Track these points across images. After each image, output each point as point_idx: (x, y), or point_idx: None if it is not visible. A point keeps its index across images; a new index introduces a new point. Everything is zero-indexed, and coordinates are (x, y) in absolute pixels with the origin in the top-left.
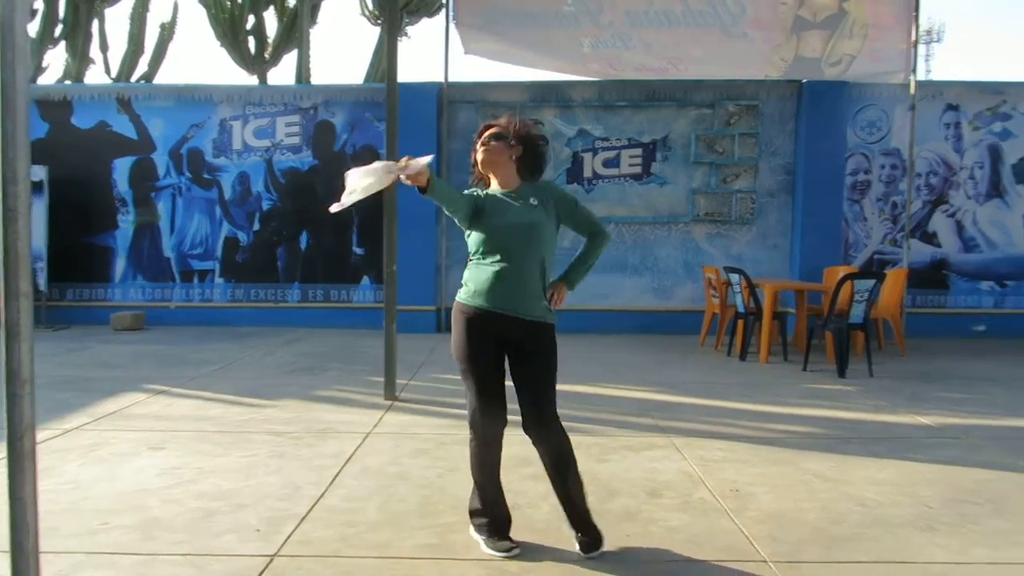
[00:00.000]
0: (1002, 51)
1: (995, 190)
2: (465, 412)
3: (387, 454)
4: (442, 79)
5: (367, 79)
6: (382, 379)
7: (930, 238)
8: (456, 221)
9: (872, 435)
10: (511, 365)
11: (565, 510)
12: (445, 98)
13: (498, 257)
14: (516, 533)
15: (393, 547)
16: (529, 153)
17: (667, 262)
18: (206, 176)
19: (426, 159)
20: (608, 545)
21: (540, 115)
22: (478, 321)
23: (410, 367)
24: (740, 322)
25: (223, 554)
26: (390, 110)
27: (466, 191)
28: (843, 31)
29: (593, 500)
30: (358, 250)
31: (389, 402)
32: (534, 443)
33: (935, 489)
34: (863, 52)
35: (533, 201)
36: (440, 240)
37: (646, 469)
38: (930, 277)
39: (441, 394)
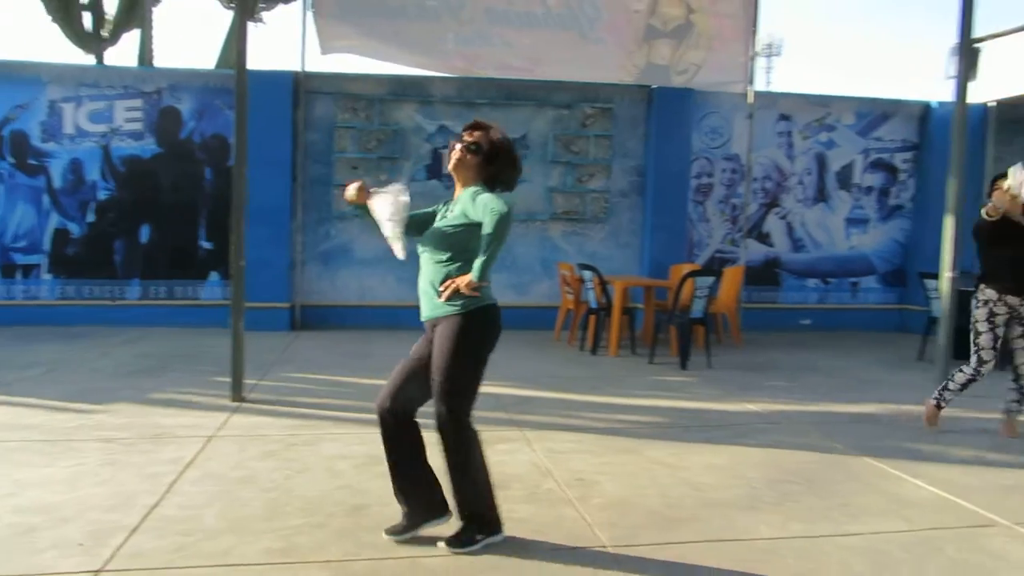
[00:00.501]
0: (836, 65)
1: (821, 195)
2: (316, 412)
3: (231, 458)
4: (298, 68)
5: (219, 65)
6: (229, 379)
7: (764, 238)
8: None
9: (709, 423)
10: None
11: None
12: (301, 88)
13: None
14: (365, 534)
15: (234, 554)
16: (503, 170)
17: (525, 259)
18: (32, 162)
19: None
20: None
21: (400, 109)
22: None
23: (261, 367)
24: (592, 317)
25: (42, 572)
26: (239, 98)
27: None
28: (690, 41)
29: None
30: (205, 244)
31: (236, 404)
32: None
33: (761, 471)
34: (707, 62)
35: (451, 209)
36: (295, 235)
37: (496, 462)
38: (764, 275)
39: (293, 393)
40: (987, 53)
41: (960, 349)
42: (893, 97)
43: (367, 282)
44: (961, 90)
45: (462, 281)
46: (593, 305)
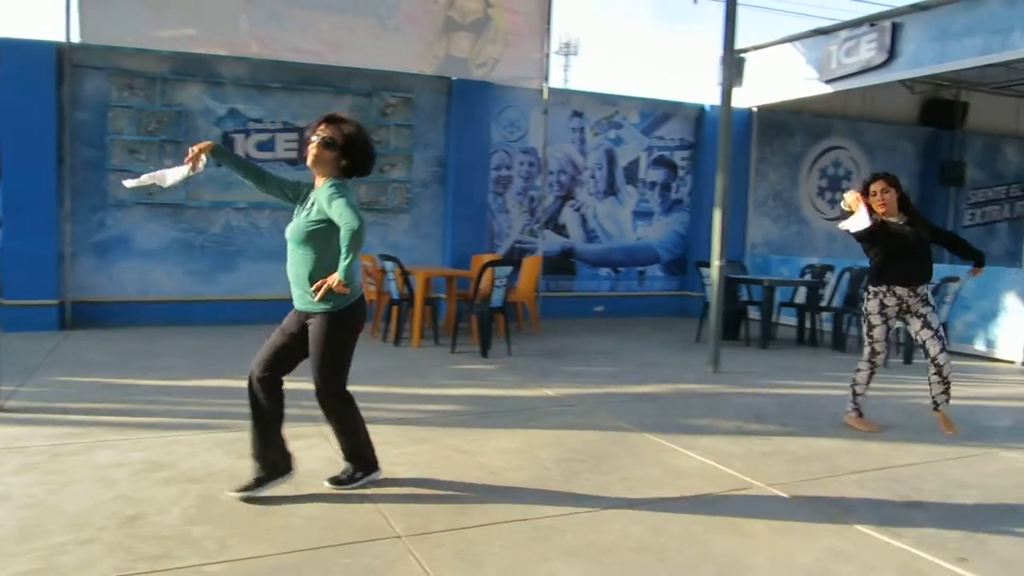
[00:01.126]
0: (629, 66)
1: (611, 189)
2: (88, 418)
3: None
4: (63, 38)
5: None
6: None
7: (560, 229)
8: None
9: (506, 408)
10: None
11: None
12: (68, 61)
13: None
14: (141, 546)
15: None
16: (358, 162)
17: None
18: None
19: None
20: (244, 543)
21: (185, 90)
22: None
23: (22, 371)
24: (395, 308)
25: None
26: None
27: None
28: (488, 36)
29: (229, 499)
30: None
31: None
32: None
33: (552, 452)
34: (505, 57)
35: (310, 203)
36: (63, 224)
37: None
38: (560, 264)
39: (60, 399)
40: (752, 63)
41: (728, 330)
42: (673, 99)
43: (151, 276)
44: (726, 95)
45: (332, 280)
46: (395, 296)
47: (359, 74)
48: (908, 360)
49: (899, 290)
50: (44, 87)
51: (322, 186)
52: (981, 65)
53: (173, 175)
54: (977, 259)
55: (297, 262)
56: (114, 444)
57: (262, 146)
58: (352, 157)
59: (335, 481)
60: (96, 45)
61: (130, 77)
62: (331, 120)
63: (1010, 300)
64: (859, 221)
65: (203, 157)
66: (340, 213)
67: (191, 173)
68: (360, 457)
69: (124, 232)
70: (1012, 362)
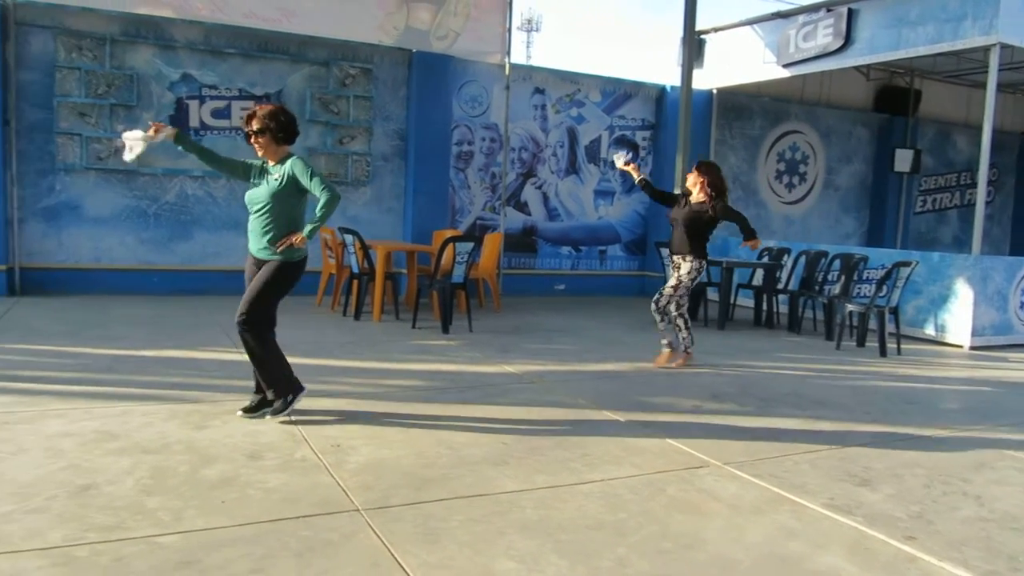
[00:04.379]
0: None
1: (572, 167)
2: (36, 386)
3: None
4: None
5: None
6: None
7: (522, 207)
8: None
9: (467, 384)
10: None
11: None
12: (12, 19)
13: (251, 214)
14: (94, 515)
15: None
16: (284, 130)
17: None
18: None
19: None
20: (200, 515)
21: (135, 52)
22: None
23: None
24: (355, 282)
25: None
26: None
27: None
28: (449, 8)
29: (187, 469)
30: None
31: None
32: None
33: (511, 428)
34: (466, 30)
35: (275, 174)
36: (9, 188)
37: (248, 432)
38: (522, 242)
39: (7, 367)
40: (712, 45)
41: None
42: (634, 79)
43: (103, 243)
44: (687, 76)
45: (296, 238)
46: (355, 270)
47: (317, 43)
48: (861, 343)
49: (664, 252)
50: None
51: (293, 162)
52: (933, 54)
53: (135, 143)
54: (750, 234)
55: (263, 222)
56: (64, 413)
57: (217, 113)
58: (284, 130)
59: (275, 412)
60: (41, 3)
61: (77, 37)
62: (250, 116)
63: (959, 286)
64: (623, 161)
65: (163, 134)
66: (321, 186)
67: (147, 142)
68: (281, 380)
69: (74, 197)
70: (960, 346)
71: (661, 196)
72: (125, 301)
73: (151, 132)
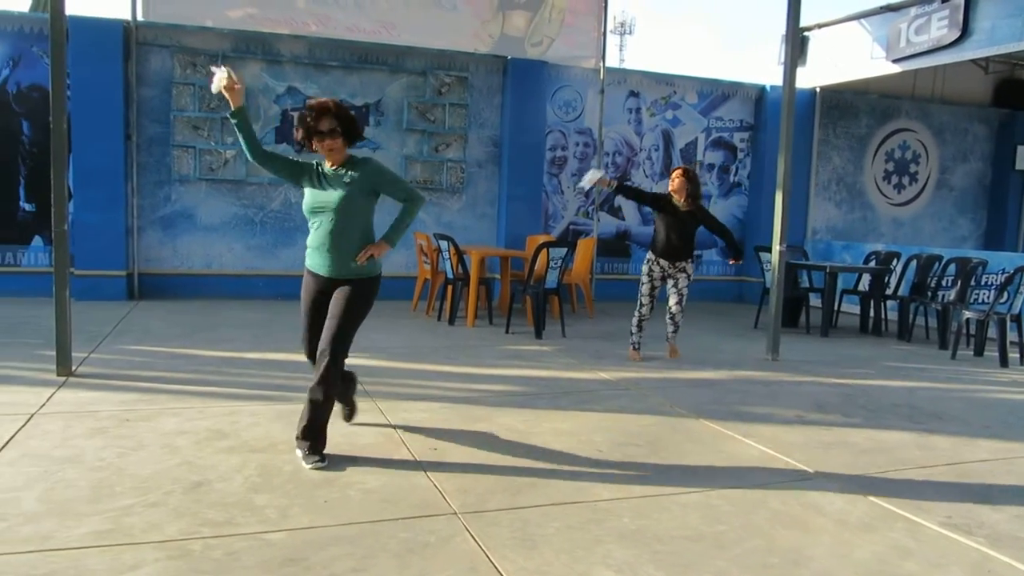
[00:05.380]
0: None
1: (667, 171)
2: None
3: (56, 436)
4: (129, 16)
5: (34, 7)
6: (54, 352)
7: (616, 212)
8: (271, 173)
9: (560, 390)
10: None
11: None
12: (134, 39)
13: (317, 224)
14: (206, 511)
15: (56, 538)
16: (352, 133)
17: (381, 228)
18: None
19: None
20: (305, 513)
21: (245, 67)
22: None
23: (94, 338)
24: (449, 288)
25: None
26: (55, 45)
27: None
28: (544, 14)
29: (291, 468)
30: (27, 206)
31: (63, 378)
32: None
33: (606, 435)
34: (560, 36)
35: (347, 178)
36: (131, 198)
37: (346, 433)
38: (615, 247)
39: (128, 367)
40: (816, 42)
41: (788, 317)
42: (732, 79)
43: (213, 250)
44: (789, 75)
45: (378, 250)
46: (450, 275)
47: (414, 53)
48: (979, 353)
49: (663, 262)
50: (112, 64)
51: (371, 164)
52: None
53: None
54: (734, 252)
55: (342, 231)
56: (179, 412)
57: None
58: (356, 129)
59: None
60: (161, 23)
61: (193, 55)
62: (319, 114)
63: None
64: (589, 179)
65: (229, 79)
66: (406, 191)
67: (220, 84)
68: (346, 393)
69: (188, 207)
70: None
71: (652, 199)
72: (233, 305)
73: (225, 78)
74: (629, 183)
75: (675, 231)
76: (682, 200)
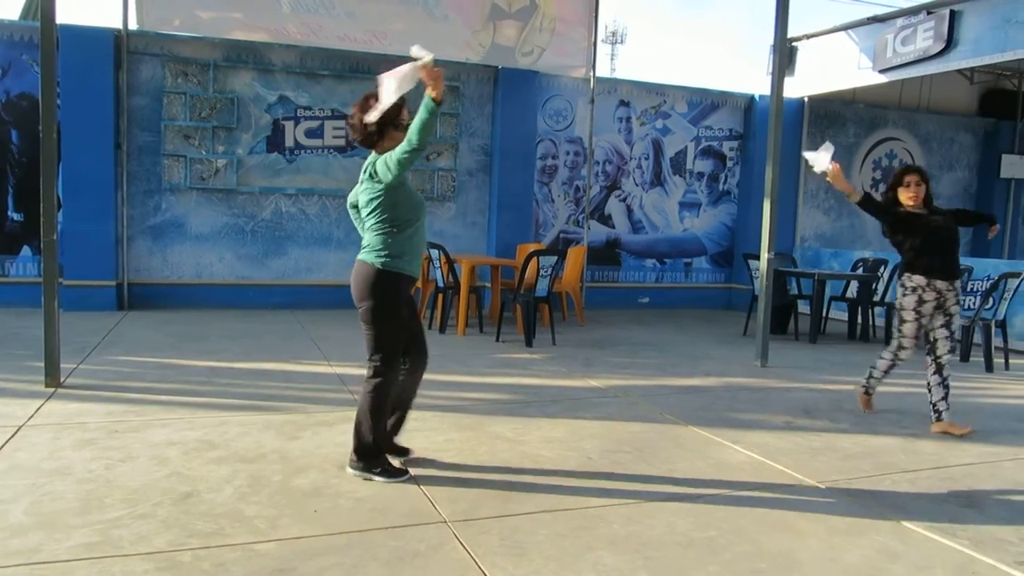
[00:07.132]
0: (674, 55)
1: (657, 179)
2: (143, 396)
3: (44, 448)
4: (120, 25)
5: (24, 16)
6: (43, 364)
7: (606, 220)
8: (411, 160)
9: (550, 398)
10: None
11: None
12: (125, 48)
13: (419, 225)
14: (196, 522)
15: (44, 551)
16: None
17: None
18: None
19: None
20: (295, 523)
21: (236, 77)
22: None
23: (82, 349)
24: (440, 296)
25: None
26: (45, 54)
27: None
28: (534, 24)
29: (281, 479)
30: (15, 216)
31: (51, 389)
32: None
33: (595, 442)
34: (551, 45)
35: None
36: (120, 208)
37: (338, 443)
38: (605, 255)
39: (117, 378)
40: (804, 52)
41: (777, 324)
42: (721, 89)
43: (204, 259)
44: (777, 85)
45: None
46: (440, 284)
47: (405, 62)
48: (965, 359)
49: (939, 284)
50: (102, 73)
51: (374, 156)
52: None
53: (393, 85)
54: (990, 219)
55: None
56: (169, 423)
57: (311, 133)
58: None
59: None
60: (151, 32)
61: (184, 64)
62: (362, 108)
63: None
64: (821, 162)
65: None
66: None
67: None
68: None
69: (178, 216)
70: None
71: (896, 220)
72: (223, 315)
73: (430, 62)
74: (871, 195)
75: (946, 245)
76: (922, 207)
